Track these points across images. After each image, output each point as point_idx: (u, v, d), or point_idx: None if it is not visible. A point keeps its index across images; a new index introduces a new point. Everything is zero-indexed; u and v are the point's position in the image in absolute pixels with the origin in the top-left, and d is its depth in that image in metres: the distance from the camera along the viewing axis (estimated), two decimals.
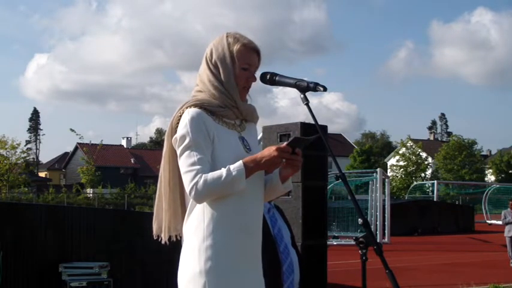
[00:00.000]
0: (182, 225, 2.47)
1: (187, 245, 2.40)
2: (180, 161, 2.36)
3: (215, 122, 2.41)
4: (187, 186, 2.31)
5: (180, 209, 2.48)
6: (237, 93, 2.48)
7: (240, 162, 2.32)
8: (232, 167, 2.31)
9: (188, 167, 2.32)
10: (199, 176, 2.29)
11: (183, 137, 2.35)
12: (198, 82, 2.52)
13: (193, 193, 2.29)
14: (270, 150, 2.35)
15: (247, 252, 2.42)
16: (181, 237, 2.49)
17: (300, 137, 2.42)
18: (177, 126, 2.42)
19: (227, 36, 2.51)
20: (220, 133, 2.41)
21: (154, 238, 2.55)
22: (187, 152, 2.34)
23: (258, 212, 2.49)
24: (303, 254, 5.50)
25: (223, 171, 2.30)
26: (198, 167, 2.30)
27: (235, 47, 2.48)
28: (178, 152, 2.38)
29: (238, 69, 2.47)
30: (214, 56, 2.48)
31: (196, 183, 2.28)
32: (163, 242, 2.52)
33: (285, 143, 2.38)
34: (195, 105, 2.41)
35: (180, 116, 2.42)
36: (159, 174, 2.52)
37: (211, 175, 2.29)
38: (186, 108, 2.42)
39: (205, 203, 2.36)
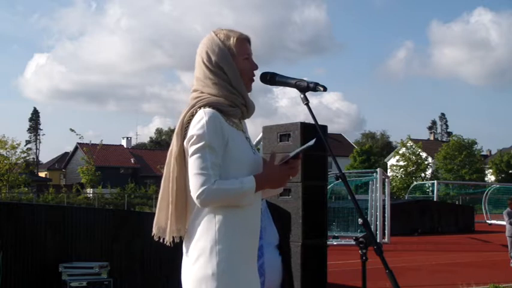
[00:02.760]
0: (185, 227, 2.42)
1: (195, 246, 2.35)
2: (191, 161, 2.30)
3: (226, 123, 2.37)
4: (196, 189, 2.26)
5: (185, 210, 2.42)
6: (245, 90, 2.46)
7: (252, 178, 2.32)
8: (245, 180, 2.30)
9: (200, 170, 2.27)
10: (211, 181, 2.25)
11: (199, 137, 2.29)
12: (200, 88, 2.44)
13: (202, 197, 2.25)
14: (281, 173, 2.39)
15: (253, 254, 2.44)
16: (182, 238, 2.45)
17: (303, 147, 2.44)
18: (187, 125, 2.36)
19: (216, 34, 2.48)
20: (233, 135, 2.38)
21: (155, 239, 2.49)
22: (201, 154, 2.29)
23: (259, 213, 2.50)
24: (303, 254, 5.50)
25: (235, 183, 2.29)
26: (210, 172, 2.27)
27: (231, 42, 2.45)
28: (191, 150, 2.31)
29: (241, 62, 2.46)
30: (213, 58, 2.43)
31: (207, 189, 2.25)
32: (168, 243, 2.45)
33: (292, 160, 2.40)
34: (209, 105, 2.36)
35: (192, 115, 2.36)
36: (166, 173, 2.42)
37: (223, 184, 2.27)
38: (200, 108, 2.36)
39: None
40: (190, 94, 2.49)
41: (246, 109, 2.47)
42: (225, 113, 2.38)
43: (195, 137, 2.31)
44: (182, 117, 2.39)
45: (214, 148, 2.30)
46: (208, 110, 2.34)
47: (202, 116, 2.32)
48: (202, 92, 2.43)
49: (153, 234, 2.48)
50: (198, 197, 2.27)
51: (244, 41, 2.49)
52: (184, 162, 2.37)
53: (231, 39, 2.46)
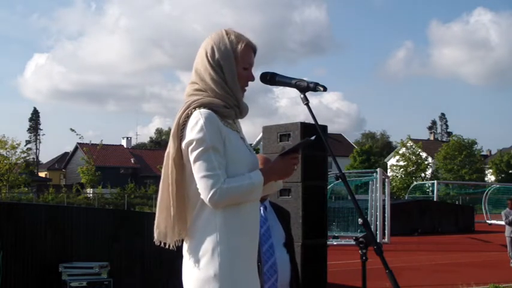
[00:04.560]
0: (186, 229, 2.41)
1: (197, 248, 2.34)
2: (197, 165, 2.28)
3: (222, 124, 2.36)
4: (207, 191, 2.25)
5: (185, 212, 2.40)
6: (239, 91, 2.46)
7: (258, 172, 2.34)
8: (252, 175, 2.32)
9: (208, 172, 2.26)
10: (221, 181, 2.25)
11: (200, 140, 2.28)
12: (197, 80, 2.45)
13: (215, 198, 2.25)
14: (286, 163, 2.41)
15: (253, 254, 2.43)
16: (182, 240, 2.44)
17: (303, 141, 2.45)
18: (183, 127, 2.35)
19: (227, 34, 2.47)
20: (229, 136, 2.37)
21: (156, 244, 2.47)
22: (205, 156, 2.28)
23: (258, 212, 2.50)
24: (303, 254, 5.50)
25: (244, 179, 2.30)
26: (219, 172, 2.26)
27: (239, 47, 2.44)
28: (193, 155, 2.29)
29: (240, 69, 2.45)
30: (217, 55, 2.42)
31: (219, 189, 2.24)
32: (170, 247, 2.44)
33: (294, 153, 2.43)
34: (204, 106, 2.35)
35: (188, 116, 2.35)
36: (164, 175, 2.40)
37: (233, 182, 2.27)
38: (195, 108, 2.35)
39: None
40: (188, 86, 2.49)
41: (239, 110, 2.47)
42: (219, 114, 2.37)
43: (195, 142, 2.29)
44: (177, 118, 2.38)
45: (217, 148, 2.30)
46: (204, 110, 2.33)
47: (198, 118, 2.31)
48: (197, 90, 2.43)
49: (154, 239, 2.47)
50: (210, 199, 2.25)
51: (250, 49, 2.49)
52: (183, 164, 2.37)
53: (240, 44, 2.45)
